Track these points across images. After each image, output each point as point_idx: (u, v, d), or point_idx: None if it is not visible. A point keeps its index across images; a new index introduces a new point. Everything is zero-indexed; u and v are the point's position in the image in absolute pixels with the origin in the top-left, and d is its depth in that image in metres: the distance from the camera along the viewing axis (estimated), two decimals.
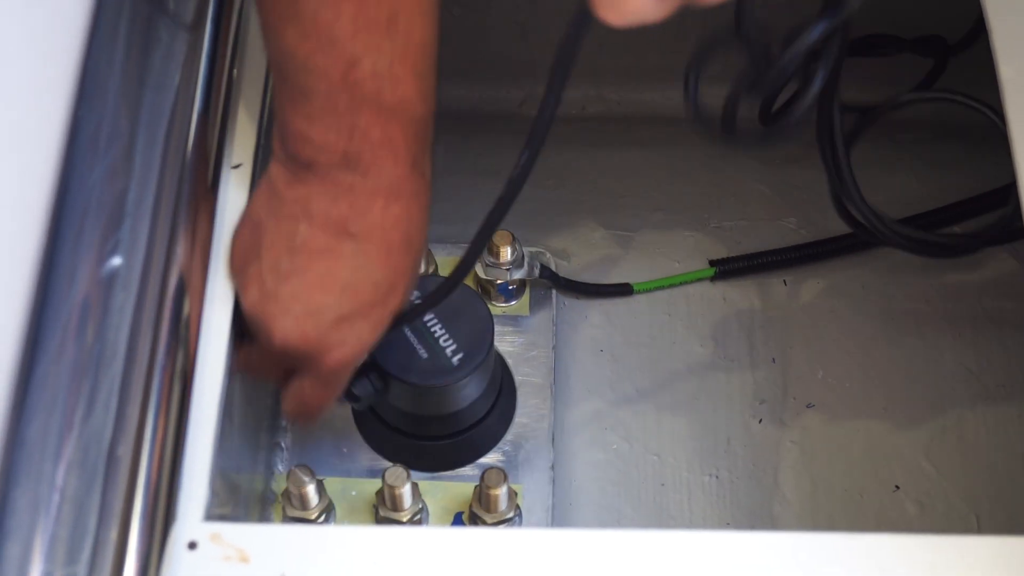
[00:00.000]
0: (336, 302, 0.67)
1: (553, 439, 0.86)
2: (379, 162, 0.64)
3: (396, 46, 0.62)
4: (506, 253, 0.88)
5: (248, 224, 0.68)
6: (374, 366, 0.77)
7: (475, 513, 0.80)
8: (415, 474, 0.80)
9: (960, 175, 0.98)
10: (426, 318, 0.79)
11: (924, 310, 0.93)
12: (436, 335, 0.79)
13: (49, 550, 0.56)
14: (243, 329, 0.69)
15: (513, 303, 0.91)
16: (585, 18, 0.53)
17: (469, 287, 0.85)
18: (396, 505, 0.79)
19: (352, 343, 0.68)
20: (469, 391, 0.81)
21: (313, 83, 0.63)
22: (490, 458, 0.85)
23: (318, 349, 0.68)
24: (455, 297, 0.80)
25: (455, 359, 0.78)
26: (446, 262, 0.91)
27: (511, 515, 0.80)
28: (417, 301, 0.74)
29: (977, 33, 0.72)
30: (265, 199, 0.68)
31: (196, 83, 0.69)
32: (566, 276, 0.94)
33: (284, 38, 0.63)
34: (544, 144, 0.61)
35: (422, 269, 0.88)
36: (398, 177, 0.65)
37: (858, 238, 0.94)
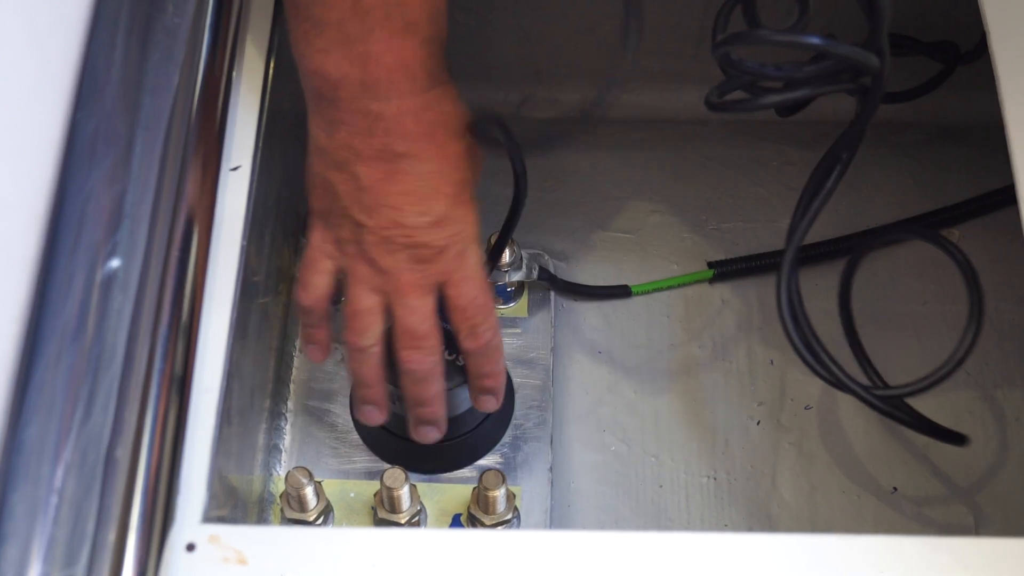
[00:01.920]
0: (428, 208, 0.70)
1: (551, 441, 0.86)
2: (397, 84, 0.67)
3: None
4: (504, 255, 0.88)
5: (317, 186, 0.72)
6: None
7: (473, 515, 0.80)
8: (413, 476, 0.80)
9: (959, 177, 0.98)
10: None
11: (921, 312, 0.93)
12: None
13: (47, 552, 0.56)
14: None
15: (511, 305, 0.91)
16: None
17: None
18: (394, 507, 0.79)
19: (462, 229, 0.72)
20: (469, 395, 0.80)
21: (325, 14, 0.66)
22: (488, 460, 0.85)
23: (440, 248, 0.72)
24: None
25: (455, 364, 0.78)
26: None
27: (509, 517, 0.80)
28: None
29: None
30: (317, 158, 0.71)
31: (195, 85, 0.69)
32: (564, 278, 0.94)
33: None
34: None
35: None
36: (419, 93, 0.68)
37: (854, 240, 0.95)
